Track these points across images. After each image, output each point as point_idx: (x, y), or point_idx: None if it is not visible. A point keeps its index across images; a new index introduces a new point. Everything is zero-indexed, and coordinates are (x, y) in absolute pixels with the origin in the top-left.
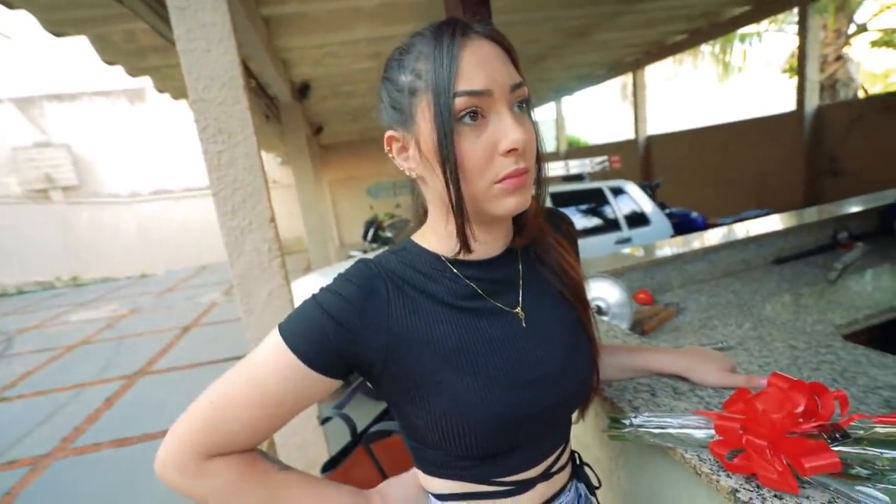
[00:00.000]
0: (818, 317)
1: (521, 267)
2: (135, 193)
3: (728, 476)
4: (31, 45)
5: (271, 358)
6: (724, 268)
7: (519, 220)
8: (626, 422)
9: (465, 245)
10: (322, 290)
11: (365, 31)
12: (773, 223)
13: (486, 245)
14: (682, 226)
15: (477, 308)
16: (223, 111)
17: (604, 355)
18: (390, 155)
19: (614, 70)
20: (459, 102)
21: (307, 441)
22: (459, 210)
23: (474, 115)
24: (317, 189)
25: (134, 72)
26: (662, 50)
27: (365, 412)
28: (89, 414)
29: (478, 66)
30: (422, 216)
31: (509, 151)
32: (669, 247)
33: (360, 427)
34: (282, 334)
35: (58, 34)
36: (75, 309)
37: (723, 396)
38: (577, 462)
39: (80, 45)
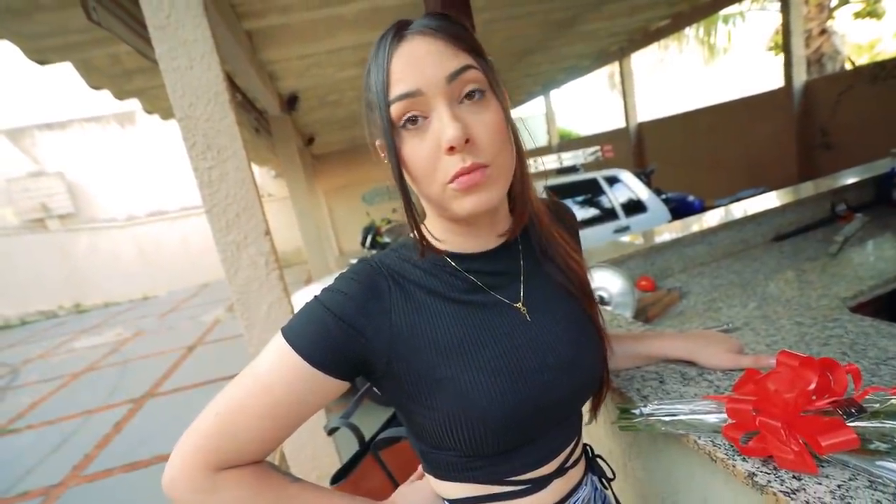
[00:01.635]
0: (823, 291)
1: (521, 260)
2: (131, 216)
3: (744, 460)
4: (18, 76)
5: (276, 362)
6: (724, 249)
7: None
8: (636, 411)
9: (421, 242)
10: (324, 289)
11: (348, 38)
12: (770, 201)
13: (479, 237)
14: (680, 210)
15: (478, 301)
16: (211, 127)
17: (612, 345)
18: (385, 161)
19: (600, 60)
20: (395, 109)
21: (317, 452)
22: (410, 214)
23: (413, 119)
24: (312, 199)
25: (121, 95)
26: (647, 36)
27: (372, 420)
28: (99, 440)
29: (405, 68)
30: (420, 213)
31: (449, 150)
32: (668, 232)
33: (367, 435)
34: (285, 337)
35: (41, 62)
36: (79, 336)
37: (732, 379)
38: (591, 455)
39: (66, 72)
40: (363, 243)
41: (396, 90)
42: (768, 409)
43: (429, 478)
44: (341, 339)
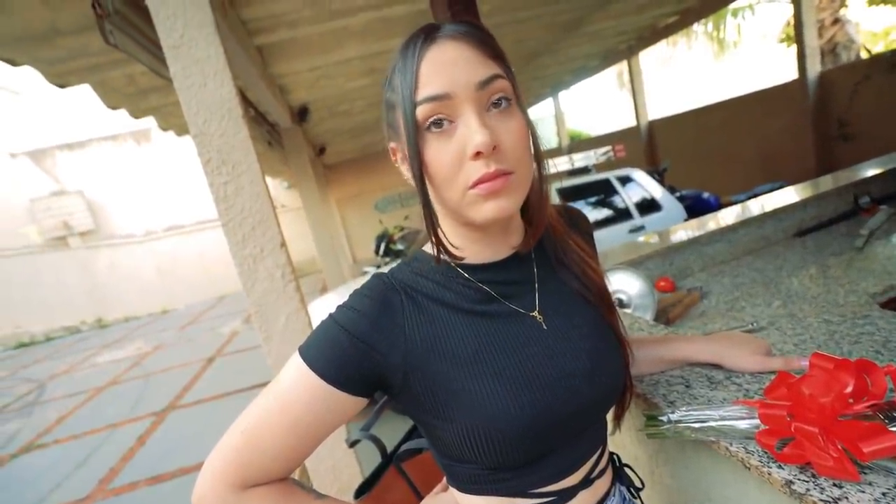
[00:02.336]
0: (850, 287)
1: (535, 269)
2: (149, 232)
3: (780, 467)
4: (39, 98)
5: (295, 381)
6: (744, 246)
7: (529, 219)
8: (664, 419)
9: (440, 246)
10: (338, 307)
11: (356, 49)
12: (790, 195)
13: (492, 246)
14: (695, 207)
15: (493, 311)
16: (225, 142)
17: (635, 350)
18: (397, 164)
19: (608, 59)
20: (421, 111)
21: (339, 465)
22: (429, 217)
23: (439, 122)
24: (325, 209)
25: (137, 113)
26: (655, 34)
27: (394, 430)
28: (124, 453)
29: (436, 70)
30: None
31: (476, 155)
32: (685, 230)
33: (389, 446)
34: (302, 356)
35: (61, 85)
36: (102, 350)
37: (762, 382)
38: (618, 464)
39: (84, 93)
40: (377, 251)
41: (425, 92)
42: (804, 415)
43: (453, 490)
44: (356, 356)
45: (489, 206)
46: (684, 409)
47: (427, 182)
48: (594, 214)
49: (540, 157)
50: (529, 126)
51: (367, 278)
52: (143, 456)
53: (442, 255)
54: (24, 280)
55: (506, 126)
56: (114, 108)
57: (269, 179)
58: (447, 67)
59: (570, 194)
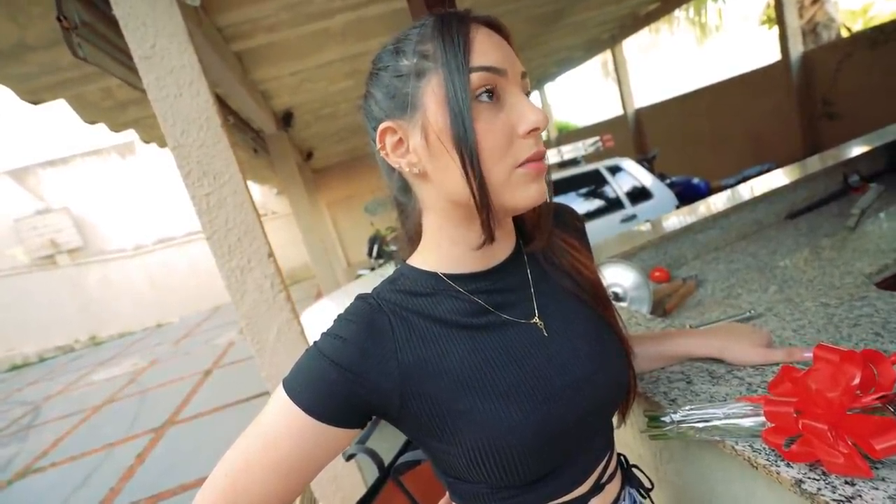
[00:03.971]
0: (845, 268)
1: (529, 272)
2: (139, 246)
3: (788, 466)
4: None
5: (280, 418)
6: (736, 231)
7: (522, 222)
8: (666, 419)
9: (488, 233)
10: (323, 334)
11: (337, 51)
12: (779, 178)
13: (486, 253)
14: (686, 193)
15: (489, 323)
16: (205, 153)
17: (634, 347)
18: (383, 152)
19: (592, 49)
20: (476, 78)
21: (340, 474)
22: (483, 195)
23: (491, 93)
24: (315, 214)
25: (116, 127)
26: (637, 22)
27: (390, 442)
28: (123, 473)
29: (491, 45)
30: (414, 237)
31: (531, 132)
32: (677, 218)
33: (386, 458)
34: (286, 390)
35: (35, 102)
36: (97, 368)
37: (765, 375)
38: (626, 465)
39: (63, 109)
40: (369, 253)
41: (482, 60)
42: (811, 410)
43: None
44: (345, 387)
45: (535, 187)
46: (687, 408)
47: (465, 157)
48: (585, 206)
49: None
50: None
51: (361, 281)
52: (143, 474)
53: (429, 269)
54: (14, 301)
55: None
56: (92, 122)
57: (258, 186)
58: (500, 47)
59: (560, 187)
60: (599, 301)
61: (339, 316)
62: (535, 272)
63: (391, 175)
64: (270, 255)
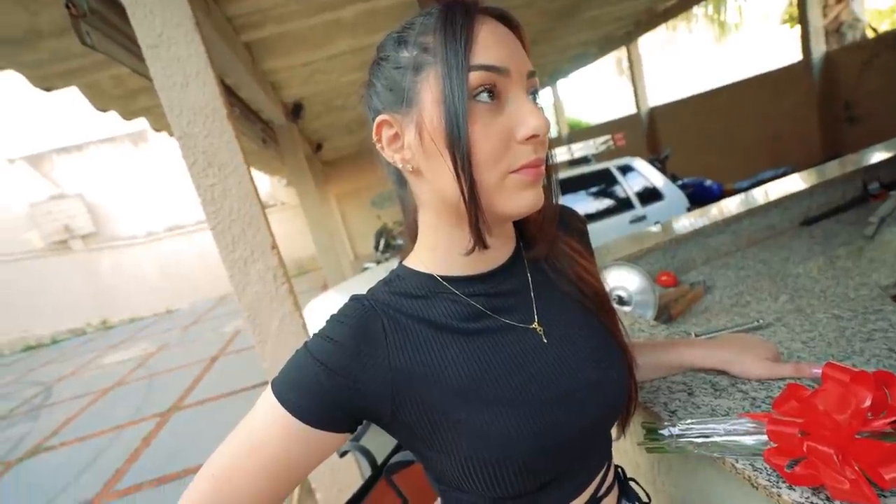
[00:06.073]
0: (860, 279)
1: (529, 276)
2: (151, 233)
3: (790, 489)
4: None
5: (268, 421)
6: (748, 237)
7: (525, 226)
8: (665, 432)
9: (478, 238)
10: (314, 335)
11: (348, 43)
12: (796, 182)
13: (485, 255)
14: (698, 195)
15: (487, 328)
16: (210, 144)
17: (636, 356)
18: (379, 145)
19: (607, 46)
20: (475, 77)
21: (336, 467)
22: (472, 199)
23: (490, 93)
24: (324, 206)
25: (127, 115)
26: (654, 18)
27: (384, 440)
28: (129, 455)
29: (496, 42)
30: (414, 233)
31: (530, 138)
32: (687, 220)
33: (380, 456)
34: (275, 392)
35: (47, 88)
36: (107, 352)
37: (770, 390)
38: (623, 478)
39: (77, 96)
40: (376, 247)
41: (483, 58)
42: (817, 432)
43: None
44: (334, 391)
45: (529, 195)
46: (687, 421)
47: (456, 160)
48: (594, 205)
49: (551, 159)
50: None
51: (366, 274)
52: (149, 457)
53: (425, 271)
54: (29, 284)
55: None
56: (103, 110)
57: (267, 177)
58: (504, 43)
59: (569, 185)
60: (602, 308)
61: (332, 317)
62: (536, 276)
63: (389, 168)
64: (274, 246)
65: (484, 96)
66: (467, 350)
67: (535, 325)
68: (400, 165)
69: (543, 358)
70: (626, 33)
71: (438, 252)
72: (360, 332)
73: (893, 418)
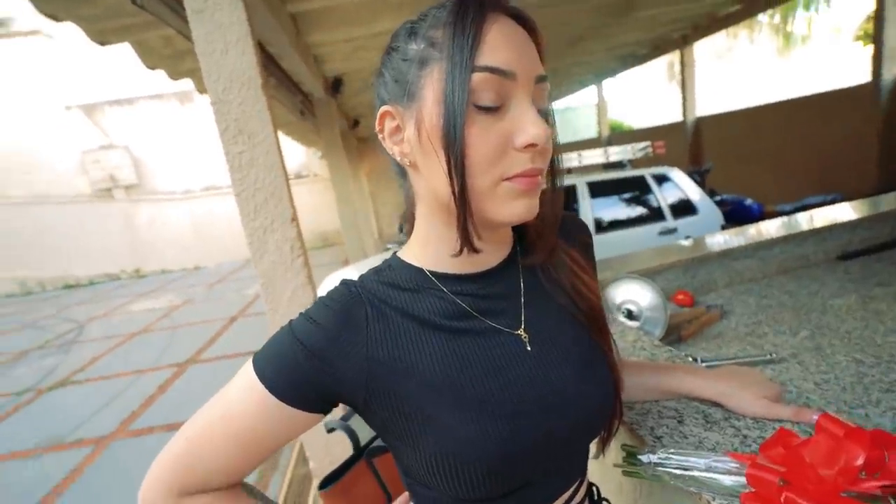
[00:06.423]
0: (893, 325)
1: (522, 282)
2: (188, 190)
3: None
4: (91, 54)
5: (245, 393)
6: (778, 264)
7: (524, 231)
8: (644, 458)
9: (465, 241)
10: (300, 315)
11: (392, 22)
12: (839, 211)
13: (482, 254)
14: (735, 214)
15: (470, 328)
16: (243, 112)
17: (628, 374)
18: (381, 135)
19: (659, 48)
20: (478, 80)
21: (331, 440)
22: (462, 202)
23: (493, 97)
24: (354, 182)
25: (174, 75)
26: (714, 23)
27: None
28: (145, 399)
29: (506, 43)
30: (412, 225)
31: (527, 147)
32: (715, 240)
33: (364, 438)
34: (255, 366)
35: (102, 43)
36: (137, 299)
37: (765, 430)
38: (596, 497)
39: (131, 52)
40: (401, 229)
41: (488, 60)
42: (799, 484)
43: None
44: (310, 372)
45: (520, 203)
46: (669, 450)
47: (450, 162)
48: (624, 212)
49: (557, 166)
50: (554, 131)
51: (388, 255)
52: (162, 404)
53: (416, 264)
54: (73, 227)
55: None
56: (152, 68)
57: (303, 148)
58: (514, 44)
59: (600, 189)
60: (595, 324)
61: (320, 299)
62: (530, 283)
63: (391, 158)
64: (294, 219)
65: (485, 100)
66: (447, 348)
67: (520, 331)
68: (398, 158)
69: (524, 365)
70: (683, 37)
71: (430, 247)
72: (343, 317)
73: (888, 482)
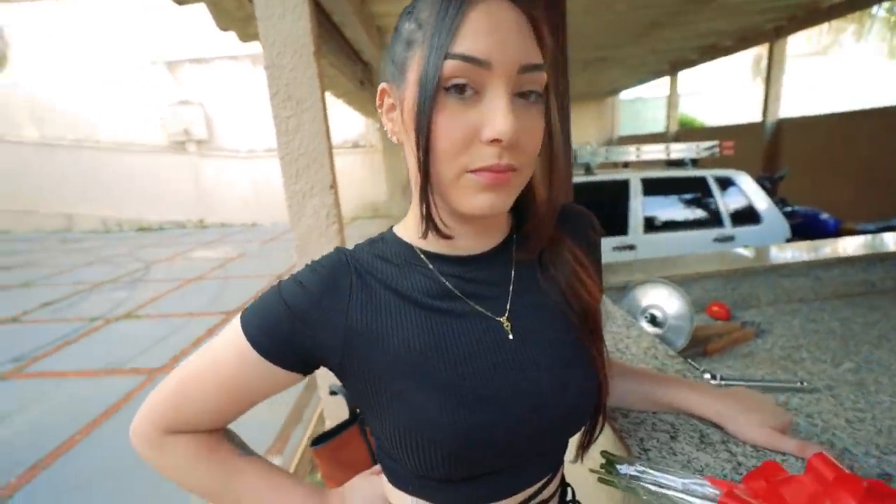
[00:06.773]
0: None
1: (513, 272)
2: (251, 150)
3: None
4: (176, 15)
5: (229, 343)
6: (834, 288)
7: (522, 224)
8: (622, 468)
9: (428, 223)
10: (290, 275)
11: None
12: None
13: (467, 239)
14: (806, 228)
15: (451, 309)
16: (294, 78)
17: (628, 381)
18: (380, 111)
19: (747, 40)
20: (449, 67)
21: (330, 405)
22: (424, 186)
23: (462, 87)
24: None
25: (244, 37)
26: (814, 15)
27: None
28: (194, 340)
29: (485, 28)
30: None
31: (492, 141)
32: (763, 252)
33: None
34: (241, 320)
35: (179, 2)
36: (198, 247)
37: (762, 460)
38: (570, 498)
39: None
40: None
41: (463, 47)
42: None
43: (383, 478)
44: (290, 332)
45: (484, 198)
46: (648, 466)
47: (418, 146)
48: (679, 213)
49: (556, 160)
50: (553, 126)
51: None
52: None
53: (407, 240)
54: (149, 175)
55: (527, 121)
56: (224, 29)
57: (363, 119)
58: (498, 31)
59: (655, 187)
60: (585, 326)
61: (311, 262)
62: (524, 275)
63: None
64: (332, 186)
65: (455, 90)
66: (425, 325)
67: (503, 318)
68: (389, 135)
69: (501, 352)
70: (774, 29)
71: (419, 222)
72: (329, 282)
73: None
